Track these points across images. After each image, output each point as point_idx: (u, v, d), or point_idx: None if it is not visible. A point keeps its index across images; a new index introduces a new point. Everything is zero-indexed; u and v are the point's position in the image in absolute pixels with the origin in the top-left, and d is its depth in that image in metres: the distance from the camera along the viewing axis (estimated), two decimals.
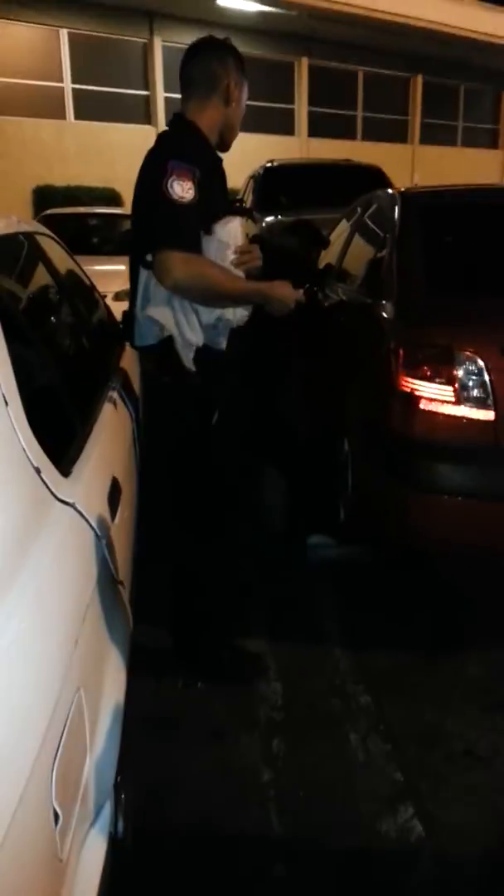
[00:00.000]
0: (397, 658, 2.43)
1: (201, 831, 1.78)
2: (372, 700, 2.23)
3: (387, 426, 2.56)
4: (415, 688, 2.29)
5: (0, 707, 0.81)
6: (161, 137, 2.06)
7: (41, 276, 2.14)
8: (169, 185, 1.86)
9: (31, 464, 1.13)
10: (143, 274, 1.99)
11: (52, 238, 2.46)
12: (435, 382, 2.44)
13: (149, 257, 1.93)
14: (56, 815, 0.89)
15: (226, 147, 2.20)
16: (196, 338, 2.00)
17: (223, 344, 2.06)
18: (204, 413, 2.09)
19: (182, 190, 1.87)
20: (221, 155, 2.16)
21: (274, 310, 2.11)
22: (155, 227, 1.90)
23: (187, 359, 2.01)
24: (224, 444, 2.16)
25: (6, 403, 1.11)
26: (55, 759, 0.89)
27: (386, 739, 2.07)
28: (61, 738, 0.92)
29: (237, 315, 2.06)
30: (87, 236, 7.80)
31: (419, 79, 20.50)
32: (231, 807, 1.85)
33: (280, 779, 1.93)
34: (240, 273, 2.07)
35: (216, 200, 2.04)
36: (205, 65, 2.07)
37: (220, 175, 2.14)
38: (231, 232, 2.04)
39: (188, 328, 1.99)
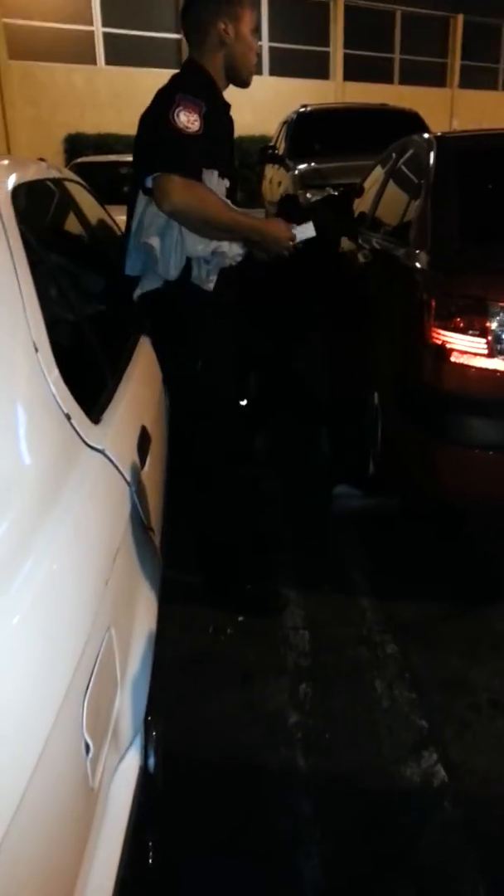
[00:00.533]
0: (424, 609, 2.45)
1: (229, 769, 1.84)
2: (398, 649, 2.26)
3: (417, 379, 2.53)
4: (441, 638, 2.31)
5: (33, 642, 0.84)
6: (172, 77, 2.09)
7: (71, 223, 2.13)
8: (175, 115, 1.91)
9: (62, 410, 1.15)
10: (142, 201, 2.03)
11: (82, 185, 2.45)
12: (467, 334, 2.39)
13: (149, 183, 1.95)
14: (87, 746, 0.92)
15: (244, 82, 2.20)
16: (173, 272, 2.03)
17: (210, 285, 2.07)
18: (188, 359, 2.11)
19: (188, 120, 1.91)
20: (245, 92, 2.22)
21: (268, 249, 2.13)
22: (158, 152, 1.94)
23: (144, 288, 2.05)
24: (211, 391, 2.17)
25: (36, 350, 1.13)
26: (86, 692, 0.92)
27: (411, 688, 2.10)
28: (92, 672, 0.95)
29: (232, 250, 2.08)
30: (118, 184, 7.72)
31: (460, 18, 19.64)
32: (258, 747, 1.90)
33: (307, 722, 1.98)
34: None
35: (220, 141, 2.07)
36: (193, 14, 2.10)
37: (228, 120, 2.15)
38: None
39: (172, 262, 2.02)
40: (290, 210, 3.54)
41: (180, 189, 1.92)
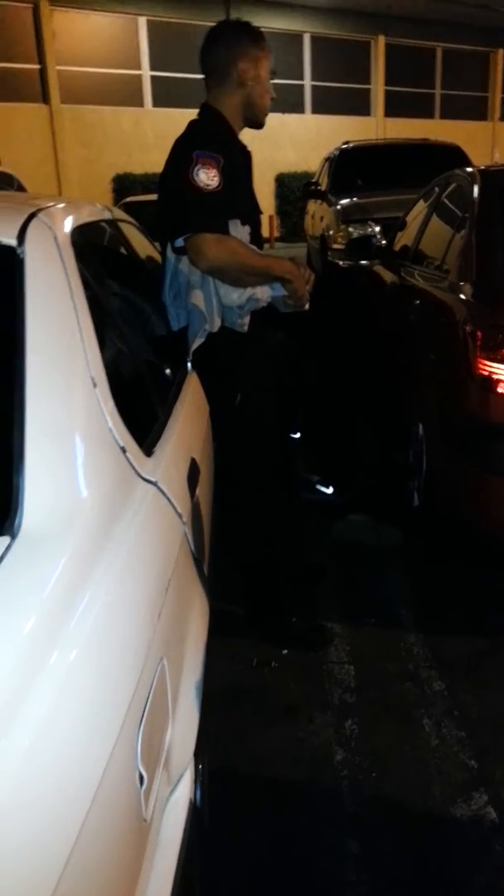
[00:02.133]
0: (472, 644, 2.41)
1: (274, 805, 1.82)
2: (445, 686, 2.22)
3: (463, 410, 2.53)
4: (490, 675, 2.27)
5: (90, 674, 0.86)
6: (189, 126, 2.14)
7: (124, 262, 2.20)
8: (195, 174, 1.96)
9: (117, 443, 1.17)
10: (172, 258, 2.09)
11: (134, 225, 2.52)
12: None
13: (178, 243, 2.02)
14: (141, 777, 0.93)
15: (258, 124, 2.24)
16: (217, 323, 2.11)
17: (245, 327, 2.12)
18: (227, 393, 2.15)
19: (207, 177, 1.97)
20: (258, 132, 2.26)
21: (297, 289, 2.18)
22: (184, 214, 2.00)
23: (196, 343, 2.11)
24: (252, 425, 2.20)
25: (95, 385, 1.16)
26: (140, 723, 0.93)
27: (460, 726, 2.06)
28: (146, 704, 0.96)
29: (264, 294, 2.14)
30: None
31: (500, 53, 19.81)
32: (304, 783, 1.88)
33: (353, 759, 1.95)
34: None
35: (240, 186, 2.11)
36: (213, 54, 2.14)
37: (246, 162, 2.21)
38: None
39: (214, 315, 2.10)
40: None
41: (213, 246, 1.98)
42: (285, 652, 2.37)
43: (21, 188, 8.23)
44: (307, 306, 2.24)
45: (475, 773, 1.90)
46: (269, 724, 2.08)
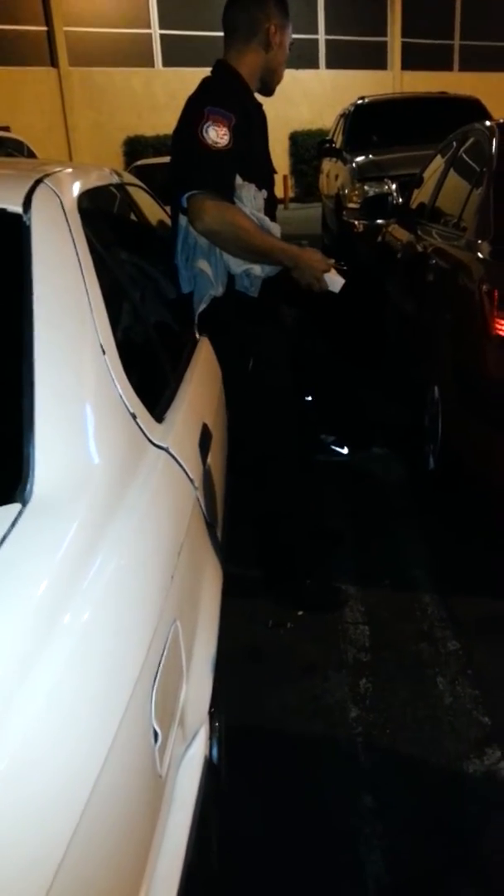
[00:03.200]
0: (487, 605, 2.43)
1: (290, 761, 1.86)
2: (461, 645, 2.24)
3: (480, 371, 2.50)
4: None
5: (104, 635, 0.88)
6: (202, 83, 2.08)
7: (133, 227, 2.18)
8: (204, 131, 1.91)
9: (128, 409, 1.18)
10: (182, 220, 2.04)
11: (144, 189, 2.50)
12: None
13: (184, 202, 1.97)
14: (155, 734, 0.96)
15: (269, 91, 2.20)
16: (221, 289, 2.07)
17: (255, 291, 2.09)
18: (239, 358, 2.13)
19: (217, 135, 1.91)
20: (268, 99, 2.18)
21: (302, 277, 2.11)
22: (189, 171, 1.95)
23: (200, 307, 2.08)
24: (264, 390, 2.19)
25: (104, 352, 1.17)
26: (154, 682, 0.95)
27: (474, 685, 2.09)
28: (159, 664, 0.98)
29: (265, 270, 2.08)
30: None
31: None
32: (319, 740, 1.92)
33: (368, 716, 1.99)
34: (275, 227, 2.08)
35: (254, 147, 2.07)
36: (244, 11, 2.08)
37: (261, 121, 2.15)
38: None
39: (219, 280, 2.06)
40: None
41: (212, 210, 1.93)
42: (301, 613, 2.41)
43: (31, 154, 8.14)
44: (337, 289, 2.17)
45: (489, 729, 1.93)
46: (285, 682, 2.12)
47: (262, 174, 2.13)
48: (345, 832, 1.67)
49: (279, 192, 14.52)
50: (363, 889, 1.55)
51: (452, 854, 1.61)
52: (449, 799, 1.74)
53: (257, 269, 2.07)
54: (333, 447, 3.28)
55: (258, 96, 2.18)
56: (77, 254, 1.24)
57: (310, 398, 3.30)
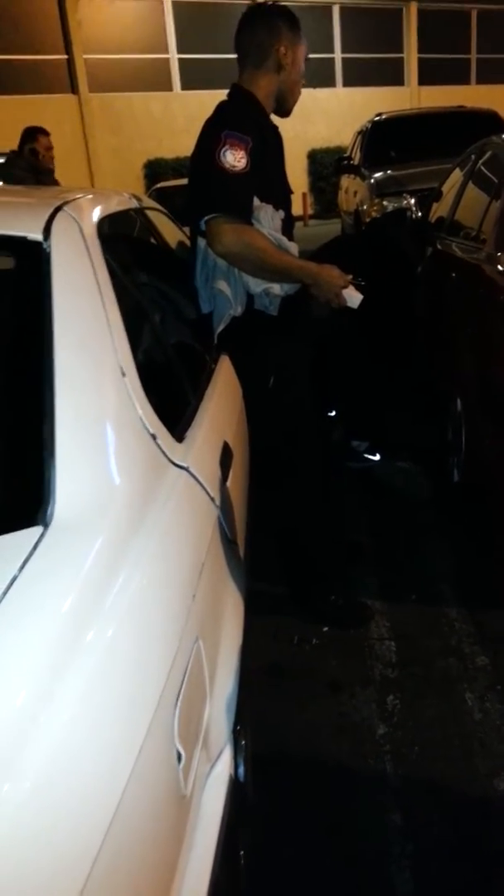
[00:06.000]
0: None
1: (318, 779, 1.85)
2: (489, 661, 2.22)
3: (501, 383, 2.49)
4: None
5: (126, 653, 0.89)
6: (219, 107, 2.11)
7: (152, 251, 2.22)
8: (222, 155, 1.93)
9: (148, 430, 1.20)
10: (201, 242, 2.06)
11: (163, 212, 2.54)
12: None
13: (203, 226, 1.99)
14: (179, 754, 0.96)
15: (286, 111, 2.21)
16: (240, 309, 2.09)
17: (275, 310, 2.10)
18: (260, 376, 2.14)
19: (234, 159, 1.93)
20: (283, 121, 2.18)
21: (320, 293, 2.13)
22: (207, 194, 1.97)
23: (220, 327, 2.10)
24: (285, 407, 2.20)
25: (123, 374, 1.19)
26: (177, 702, 0.96)
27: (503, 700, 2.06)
28: (182, 683, 0.99)
29: (284, 288, 2.10)
30: None
31: None
32: (347, 757, 1.90)
33: (395, 733, 1.97)
34: (292, 246, 2.10)
35: (271, 168, 2.08)
36: (253, 36, 2.10)
37: (277, 143, 2.16)
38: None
39: (238, 300, 2.08)
40: (338, 252, 3.64)
41: (230, 232, 1.96)
42: (326, 629, 2.40)
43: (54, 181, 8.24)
44: (356, 305, 2.17)
45: None
46: (312, 699, 2.11)
47: (279, 195, 2.15)
48: (374, 852, 1.66)
49: (298, 209, 14.62)
50: None
51: (483, 874, 1.58)
52: (479, 818, 1.72)
53: (276, 289, 2.09)
54: (366, 454, 3.29)
55: (274, 118, 2.21)
56: (97, 279, 1.27)
57: (333, 413, 3.31)
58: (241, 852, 1.40)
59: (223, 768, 1.22)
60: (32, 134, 5.17)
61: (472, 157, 3.81)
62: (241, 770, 1.39)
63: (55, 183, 5.17)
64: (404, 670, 2.21)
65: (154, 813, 0.90)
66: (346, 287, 2.14)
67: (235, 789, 1.28)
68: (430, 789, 1.80)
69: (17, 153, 5.23)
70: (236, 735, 1.31)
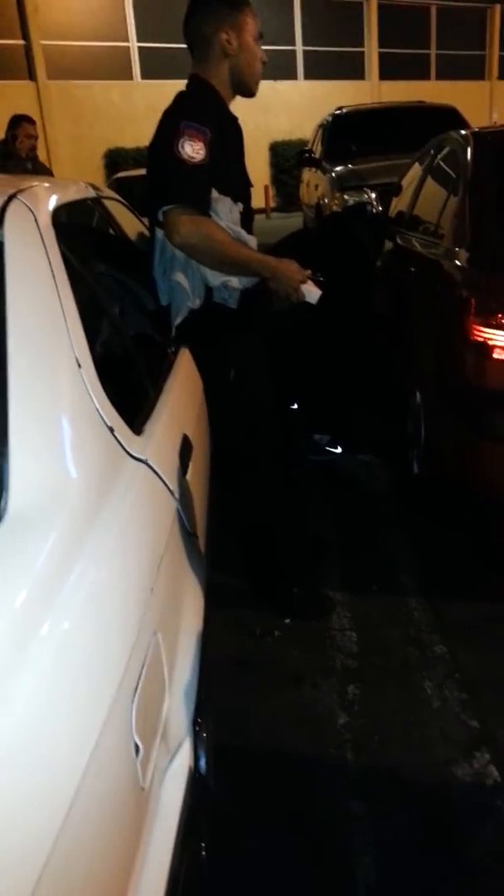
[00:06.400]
0: (473, 608, 2.44)
1: (281, 769, 1.86)
2: (447, 649, 2.25)
3: (460, 377, 2.52)
4: (492, 638, 2.29)
5: (82, 645, 0.88)
6: (178, 97, 2.09)
7: (110, 241, 2.19)
8: (180, 146, 1.92)
9: (105, 423, 1.19)
10: (159, 233, 2.04)
11: (121, 202, 2.51)
12: None
13: (160, 216, 1.98)
14: (137, 747, 0.96)
15: (249, 92, 2.18)
16: (198, 301, 2.08)
17: (234, 303, 2.10)
18: (220, 371, 2.13)
19: (192, 150, 1.92)
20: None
21: (279, 288, 2.13)
22: (165, 185, 1.95)
23: (177, 319, 2.08)
24: (245, 401, 2.20)
25: (79, 366, 1.17)
26: (135, 694, 0.95)
27: (462, 688, 2.09)
28: (140, 676, 0.98)
29: (242, 282, 2.09)
30: None
31: (497, 9, 19.38)
32: (309, 748, 1.92)
33: (356, 722, 1.99)
34: (251, 240, 2.10)
35: (230, 160, 2.07)
36: (194, 27, 2.09)
37: (237, 135, 2.15)
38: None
39: (196, 292, 2.06)
40: (297, 246, 3.63)
41: (187, 225, 1.94)
42: (288, 621, 2.41)
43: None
44: (314, 300, 2.18)
45: (477, 733, 1.93)
46: (274, 691, 2.12)
47: (238, 187, 2.14)
48: (336, 840, 1.67)
49: (260, 202, 14.60)
50: None
51: (444, 859, 1.61)
52: (439, 804, 1.75)
53: (234, 282, 2.08)
54: (327, 447, 3.31)
55: (236, 107, 2.19)
56: (51, 269, 1.25)
57: (295, 406, 3.32)
58: (202, 844, 1.40)
59: (183, 761, 1.22)
60: (17, 121, 5.24)
61: (431, 152, 3.85)
62: (203, 762, 1.39)
63: (24, 171, 5.14)
64: (365, 660, 2.23)
65: (112, 805, 0.89)
66: (304, 282, 2.15)
67: (196, 781, 1.28)
68: (390, 777, 1.83)
69: (3, 141, 5.31)
70: (197, 727, 1.31)
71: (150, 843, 1.03)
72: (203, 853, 1.35)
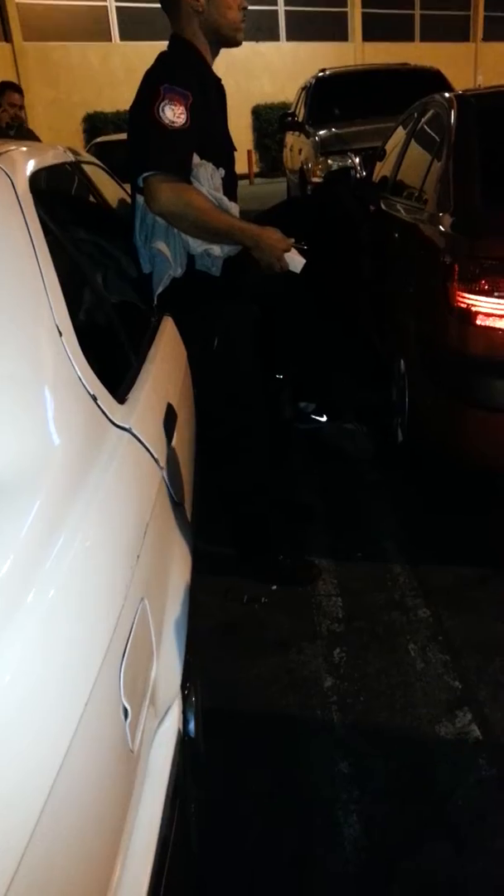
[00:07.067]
0: (457, 573, 2.47)
1: (268, 731, 1.89)
2: (431, 613, 2.29)
3: (443, 344, 2.53)
4: (475, 602, 2.33)
5: (69, 613, 0.88)
6: (159, 58, 2.04)
7: (90, 207, 2.16)
8: (160, 110, 1.88)
9: (88, 391, 1.18)
10: (140, 200, 2.01)
11: (102, 167, 2.47)
12: (492, 297, 2.37)
13: (140, 182, 1.94)
14: (126, 711, 0.97)
15: (234, 41, 2.11)
16: (180, 270, 2.06)
17: (216, 270, 2.08)
18: (204, 337, 2.12)
19: (173, 115, 1.88)
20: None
21: (262, 257, 2.10)
22: (145, 150, 1.92)
23: (160, 288, 2.07)
24: (230, 369, 2.19)
25: (60, 333, 1.16)
26: (122, 660, 0.96)
27: (445, 650, 2.13)
28: (127, 641, 1.00)
29: (224, 250, 2.07)
30: None
31: None
32: (296, 711, 1.95)
33: (342, 685, 2.03)
34: (233, 207, 2.07)
35: (213, 124, 2.04)
36: None
37: (220, 97, 2.11)
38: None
39: (178, 260, 2.05)
40: (285, 215, 3.58)
41: (168, 191, 1.91)
42: (275, 588, 2.43)
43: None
44: (298, 269, 2.15)
45: (459, 693, 1.97)
46: (261, 655, 2.14)
47: (221, 152, 2.11)
48: (322, 799, 1.71)
49: (243, 167, 14.38)
50: (341, 852, 1.59)
51: (427, 815, 1.65)
52: (422, 762, 1.79)
53: (217, 250, 2.05)
54: (313, 416, 3.31)
55: (217, 68, 2.14)
56: (30, 235, 1.23)
57: (280, 375, 3.31)
58: (192, 807, 1.43)
59: (172, 724, 1.24)
60: (0, 89, 5.16)
61: (415, 115, 3.80)
62: (191, 725, 1.41)
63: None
64: (350, 625, 2.27)
65: (101, 768, 0.91)
66: (288, 251, 2.13)
67: (185, 745, 1.31)
68: (374, 738, 1.87)
69: None
70: (185, 691, 1.33)
71: (140, 805, 1.05)
72: (192, 816, 1.38)
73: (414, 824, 1.64)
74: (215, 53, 2.11)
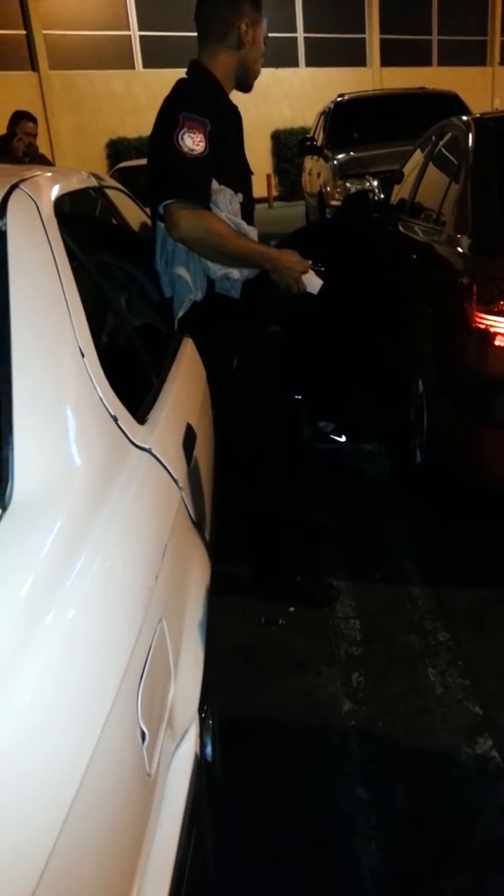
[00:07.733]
0: (476, 596, 2.44)
1: (285, 755, 1.87)
2: (451, 637, 2.26)
3: (462, 364, 2.52)
4: (494, 625, 2.30)
5: (87, 633, 0.89)
6: (177, 85, 2.07)
7: (113, 230, 2.19)
8: (180, 138, 1.91)
9: (109, 412, 1.19)
10: (161, 226, 2.04)
11: (124, 192, 2.51)
12: None
13: (161, 210, 1.98)
14: (143, 734, 0.97)
15: (247, 87, 2.19)
16: (200, 294, 2.09)
17: (236, 293, 2.10)
18: (223, 359, 2.13)
19: (192, 143, 1.91)
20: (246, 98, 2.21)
21: (280, 279, 2.13)
22: (165, 179, 1.95)
23: (180, 311, 2.10)
24: (249, 390, 2.20)
25: (83, 355, 1.17)
26: (140, 682, 0.96)
27: (465, 675, 2.10)
28: (145, 663, 0.99)
29: (243, 273, 2.10)
30: None
31: None
32: (313, 734, 1.93)
33: (360, 709, 2.00)
34: (251, 231, 2.09)
35: (230, 150, 2.07)
36: (216, 11, 2.07)
37: (237, 124, 2.15)
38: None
39: (198, 285, 2.08)
40: (306, 239, 3.62)
41: (188, 219, 1.94)
42: (292, 609, 2.42)
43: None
44: (316, 291, 2.19)
45: (479, 719, 1.94)
46: (279, 678, 2.13)
47: (239, 178, 2.14)
48: (340, 825, 1.68)
49: (262, 191, 14.53)
50: (360, 881, 1.56)
51: (447, 843, 1.62)
52: (443, 789, 1.76)
53: (236, 273, 2.08)
54: (332, 436, 3.31)
55: (235, 97, 2.18)
56: (54, 258, 1.25)
57: (299, 396, 3.32)
58: (208, 831, 1.41)
59: (189, 747, 1.23)
60: (17, 118, 5.33)
61: (433, 138, 3.83)
62: (209, 749, 1.40)
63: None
64: (368, 648, 2.24)
65: (118, 792, 0.90)
66: (305, 272, 2.15)
67: (202, 768, 1.29)
68: (394, 763, 1.84)
69: (4, 136, 5.36)
70: (203, 714, 1.32)
71: (157, 829, 1.04)
72: (209, 841, 1.37)
73: (434, 853, 1.61)
74: (231, 90, 2.16)
